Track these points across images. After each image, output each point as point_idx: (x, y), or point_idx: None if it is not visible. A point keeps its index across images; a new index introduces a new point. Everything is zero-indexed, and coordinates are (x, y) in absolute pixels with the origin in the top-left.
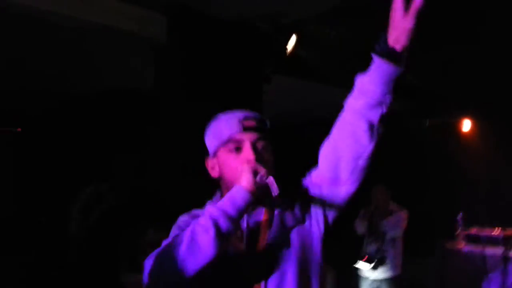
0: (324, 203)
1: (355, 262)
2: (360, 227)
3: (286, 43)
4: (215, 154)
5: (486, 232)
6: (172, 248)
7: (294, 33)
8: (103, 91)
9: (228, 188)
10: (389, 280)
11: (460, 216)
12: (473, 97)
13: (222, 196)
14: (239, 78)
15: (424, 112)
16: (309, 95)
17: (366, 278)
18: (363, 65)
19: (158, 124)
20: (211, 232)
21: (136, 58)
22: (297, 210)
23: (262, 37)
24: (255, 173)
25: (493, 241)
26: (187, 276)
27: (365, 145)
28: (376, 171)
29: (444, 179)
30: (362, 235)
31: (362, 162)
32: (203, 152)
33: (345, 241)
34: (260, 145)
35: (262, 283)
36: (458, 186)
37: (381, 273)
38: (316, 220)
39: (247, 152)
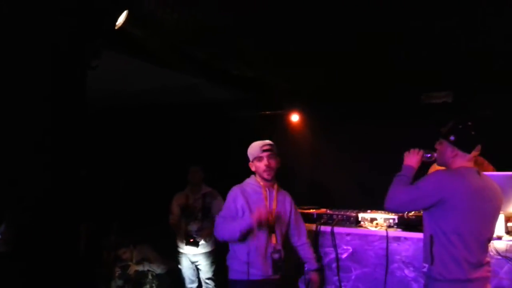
0: None
1: (178, 246)
2: (176, 207)
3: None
4: (252, 160)
5: (303, 210)
6: None
7: (127, 9)
8: None
9: (258, 174)
10: (207, 254)
11: None
12: (302, 92)
13: (256, 177)
14: (62, 52)
15: (257, 103)
16: (141, 77)
17: (185, 254)
18: (201, 50)
19: None
20: None
21: None
22: None
23: (93, 10)
24: None
25: (309, 218)
26: None
27: None
28: (206, 155)
29: None
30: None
31: None
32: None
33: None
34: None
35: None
36: (285, 171)
37: (200, 249)
38: None
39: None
